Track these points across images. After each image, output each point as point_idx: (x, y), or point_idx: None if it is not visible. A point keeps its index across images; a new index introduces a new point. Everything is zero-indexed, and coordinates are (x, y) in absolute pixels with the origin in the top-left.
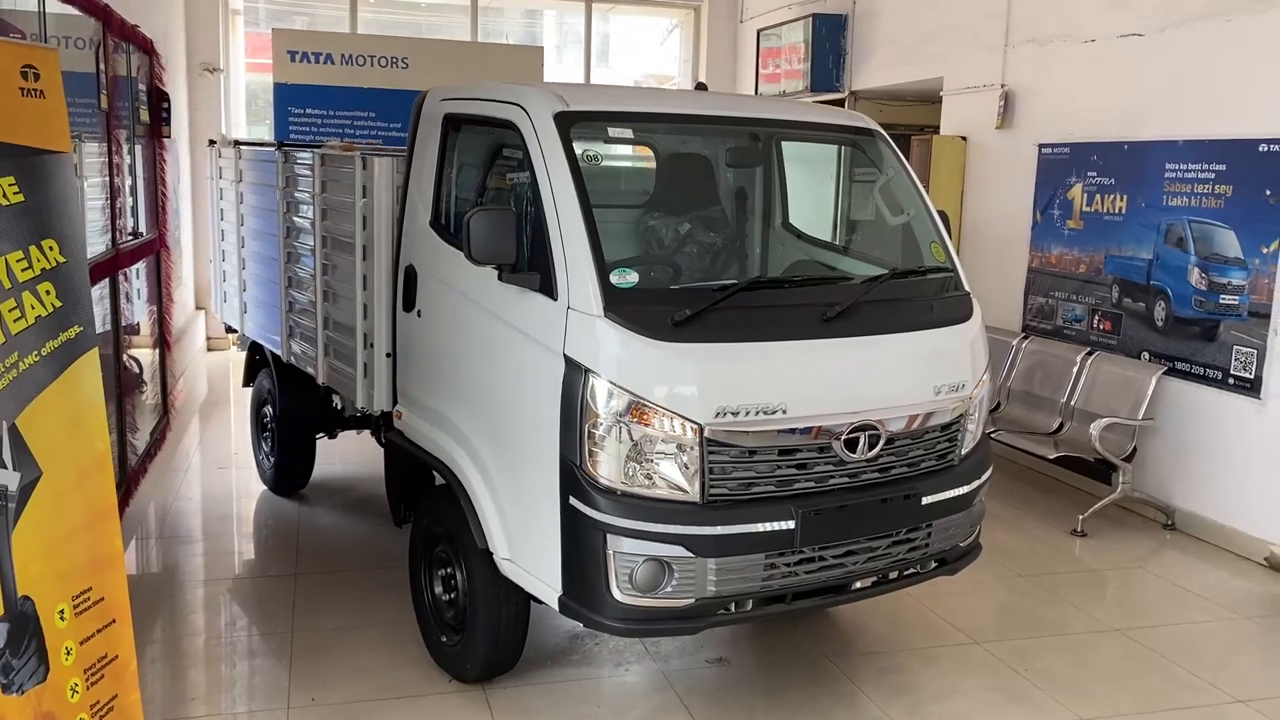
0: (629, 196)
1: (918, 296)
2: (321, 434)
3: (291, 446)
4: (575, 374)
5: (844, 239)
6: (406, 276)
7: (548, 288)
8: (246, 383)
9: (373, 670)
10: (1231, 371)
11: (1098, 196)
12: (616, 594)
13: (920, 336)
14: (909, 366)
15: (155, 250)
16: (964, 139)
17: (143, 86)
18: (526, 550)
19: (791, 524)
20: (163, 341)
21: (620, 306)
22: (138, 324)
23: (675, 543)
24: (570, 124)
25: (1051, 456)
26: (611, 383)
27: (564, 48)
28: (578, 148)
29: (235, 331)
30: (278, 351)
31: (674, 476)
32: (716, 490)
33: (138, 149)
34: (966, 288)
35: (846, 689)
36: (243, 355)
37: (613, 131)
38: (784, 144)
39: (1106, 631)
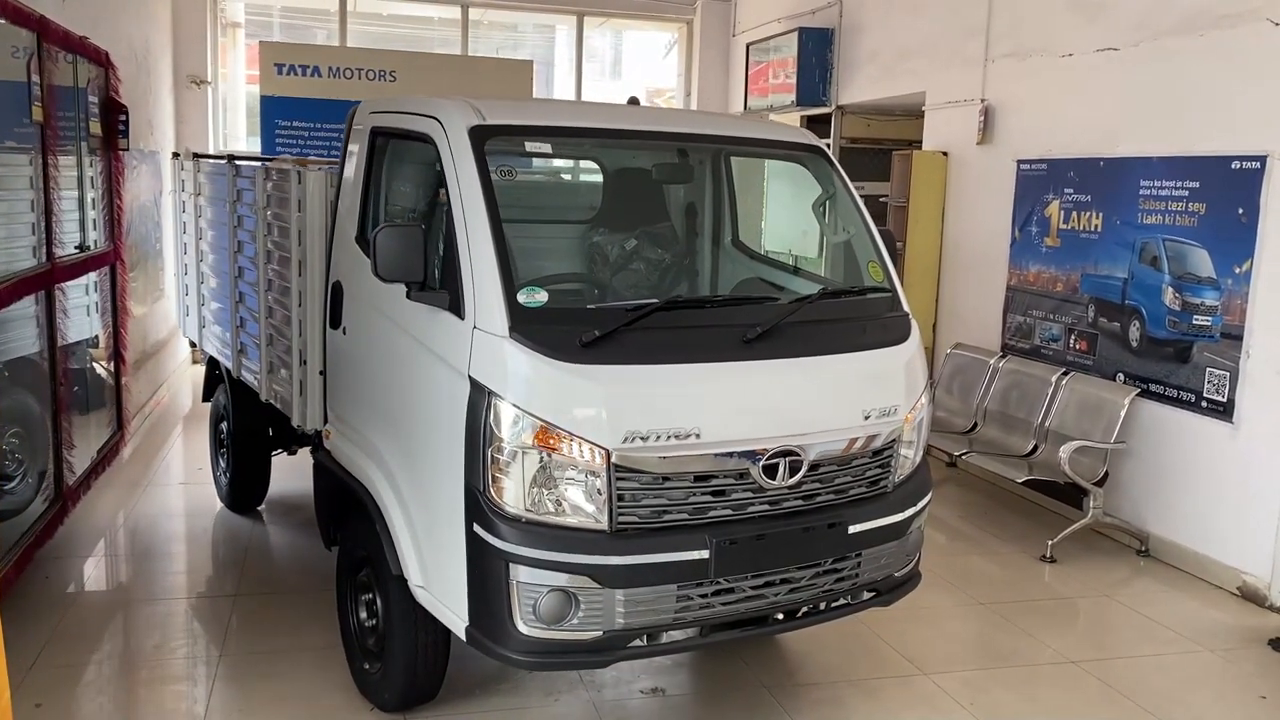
0: (566, 213)
1: (850, 317)
2: (280, 450)
3: (246, 463)
4: (480, 396)
5: (794, 259)
6: (333, 293)
7: (456, 306)
8: (206, 398)
9: (294, 697)
10: (1205, 394)
11: (1074, 214)
12: (520, 626)
13: (850, 359)
14: (835, 390)
15: (110, 263)
16: (945, 154)
17: (94, 98)
18: (438, 578)
19: (705, 553)
20: (117, 355)
21: (527, 326)
22: (97, 336)
23: (581, 573)
24: (485, 138)
25: (1021, 479)
26: (515, 406)
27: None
28: (493, 163)
29: (196, 346)
30: (231, 366)
31: (580, 504)
32: (626, 518)
33: (93, 162)
34: (905, 309)
35: None
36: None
37: (530, 146)
38: (733, 160)
39: (1063, 664)
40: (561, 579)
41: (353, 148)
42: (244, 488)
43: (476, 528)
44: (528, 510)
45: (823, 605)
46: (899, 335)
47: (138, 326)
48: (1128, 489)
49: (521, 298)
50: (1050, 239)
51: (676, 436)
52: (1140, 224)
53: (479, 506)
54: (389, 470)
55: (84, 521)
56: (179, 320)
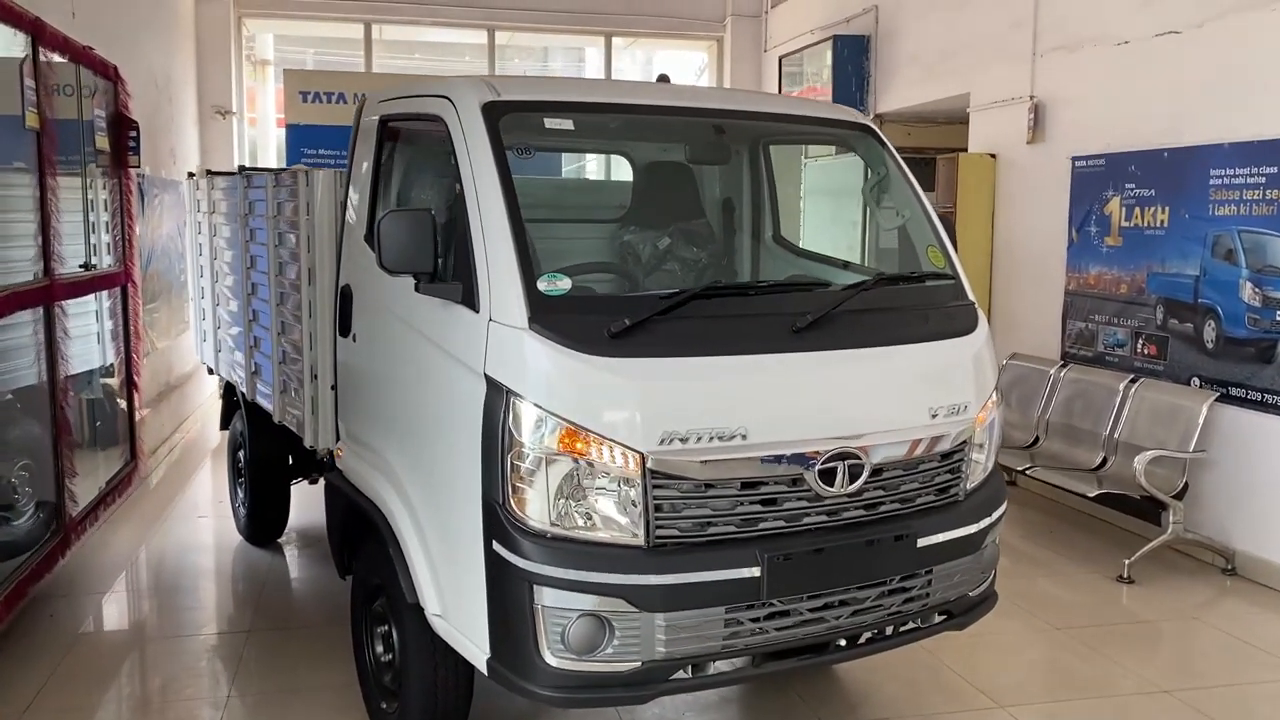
0: (595, 212)
1: (911, 306)
2: (300, 479)
3: (263, 492)
4: (497, 397)
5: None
6: (343, 297)
7: (470, 298)
8: (223, 426)
9: None
10: None
11: (1137, 210)
12: (548, 656)
13: (912, 350)
14: (898, 385)
15: (120, 284)
16: (993, 156)
17: (100, 112)
18: (456, 605)
19: (756, 571)
20: (129, 382)
21: (549, 317)
22: (110, 366)
23: (614, 594)
24: (499, 115)
25: (1092, 494)
26: (537, 406)
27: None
28: (510, 142)
29: (215, 372)
30: (245, 389)
31: (613, 516)
32: (665, 532)
33: (103, 183)
34: (971, 297)
35: None
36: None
37: (549, 123)
38: (770, 148)
39: (1154, 693)
40: (593, 602)
41: (361, 142)
42: (262, 518)
43: (496, 545)
44: (553, 525)
45: (890, 629)
46: (966, 325)
47: (162, 359)
48: (1210, 502)
49: (542, 285)
50: (1111, 238)
51: (720, 438)
52: (1211, 216)
53: (498, 521)
54: (401, 486)
55: (97, 557)
56: (196, 346)
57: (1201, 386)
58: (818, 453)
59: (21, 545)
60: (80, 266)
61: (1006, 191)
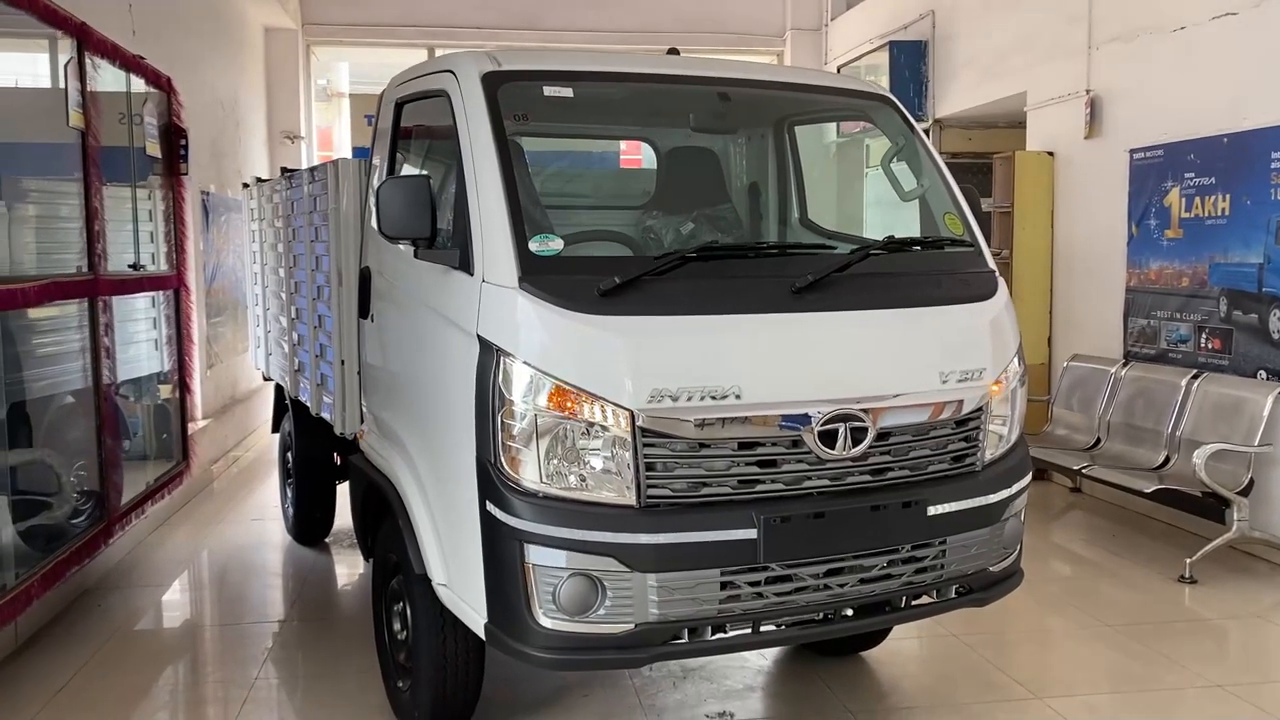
0: (619, 200)
1: (924, 271)
2: (345, 480)
3: (309, 491)
4: (489, 357)
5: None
6: (362, 279)
7: (466, 262)
8: (274, 429)
9: (323, 719)
10: None
11: (1197, 199)
12: (541, 617)
13: (922, 313)
14: (905, 348)
15: (170, 287)
16: (1050, 155)
17: (152, 120)
18: (459, 572)
19: (753, 533)
20: (182, 384)
21: (539, 277)
22: (166, 372)
23: (605, 553)
24: (498, 84)
25: (1149, 490)
26: (527, 364)
27: None
28: (509, 111)
29: (270, 379)
30: (289, 388)
31: (603, 475)
32: (657, 491)
33: (151, 192)
34: (991, 265)
35: None
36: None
37: (548, 91)
38: (796, 129)
39: (1206, 687)
40: (583, 561)
41: (382, 125)
42: (309, 518)
43: (489, 506)
44: (545, 484)
45: (902, 601)
46: (983, 291)
47: (226, 373)
48: (1277, 499)
49: (534, 246)
50: (1171, 230)
51: (712, 396)
52: (1275, 200)
53: (491, 482)
54: (409, 457)
55: (151, 555)
56: (252, 353)
57: (1268, 379)
58: (816, 413)
59: (66, 533)
60: (129, 267)
61: (1065, 190)
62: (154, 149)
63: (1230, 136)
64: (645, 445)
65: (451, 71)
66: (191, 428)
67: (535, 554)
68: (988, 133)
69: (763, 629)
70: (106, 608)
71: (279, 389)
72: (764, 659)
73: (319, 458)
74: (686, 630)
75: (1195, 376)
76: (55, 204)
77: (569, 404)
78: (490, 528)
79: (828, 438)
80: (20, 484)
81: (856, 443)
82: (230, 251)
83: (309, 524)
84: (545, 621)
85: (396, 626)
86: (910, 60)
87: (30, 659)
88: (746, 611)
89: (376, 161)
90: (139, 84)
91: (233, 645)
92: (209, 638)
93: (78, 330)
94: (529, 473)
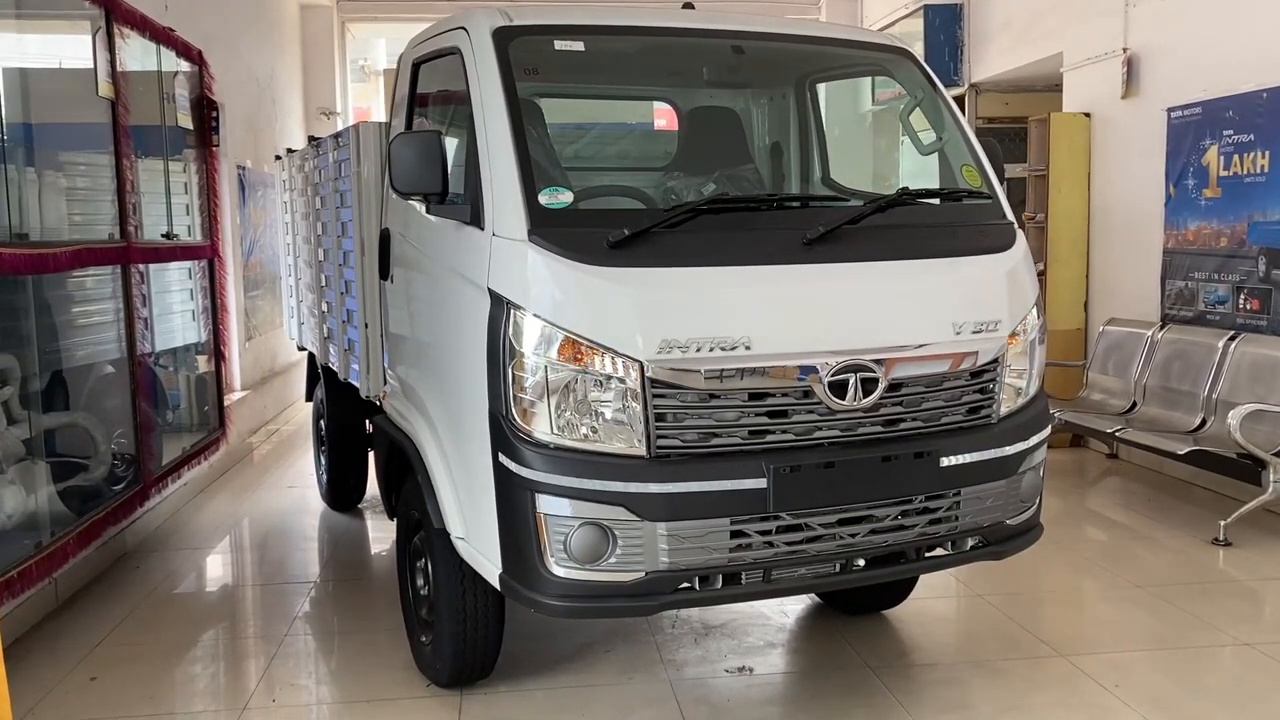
0: (642, 161)
1: (940, 223)
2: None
3: (341, 457)
4: (499, 310)
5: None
6: (383, 241)
7: (476, 217)
8: (308, 397)
9: (351, 673)
10: None
11: (1236, 157)
12: (553, 566)
13: (935, 264)
14: (918, 299)
15: (204, 257)
16: (1087, 116)
17: (184, 92)
18: (475, 525)
19: (763, 482)
20: (217, 352)
21: (548, 229)
22: (203, 343)
23: (615, 502)
24: (509, 39)
25: (1182, 451)
26: (537, 316)
27: None
28: (520, 66)
29: (304, 348)
30: (319, 354)
31: (613, 425)
32: (667, 442)
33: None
34: (1009, 217)
35: (885, 703)
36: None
37: (559, 45)
38: (817, 85)
39: (1233, 645)
40: (594, 510)
41: (400, 88)
42: (342, 484)
43: (502, 457)
44: (556, 435)
45: (916, 554)
46: (1000, 243)
47: (265, 345)
48: None
49: (543, 199)
50: (1210, 190)
51: (722, 347)
52: None
53: (503, 433)
54: (428, 414)
55: (190, 521)
56: (286, 323)
57: None
58: (826, 364)
59: (102, 494)
60: (162, 236)
61: (1102, 151)
62: (185, 120)
63: (1270, 91)
64: (655, 396)
65: (464, 28)
66: (229, 398)
67: (546, 504)
68: (1024, 97)
69: (774, 577)
70: (145, 569)
71: (311, 357)
72: (785, 616)
73: (350, 425)
74: (697, 578)
75: (1233, 338)
76: (88, 175)
77: (579, 356)
78: (503, 479)
79: (838, 388)
80: (57, 447)
81: (867, 393)
82: (266, 226)
83: (342, 490)
84: (557, 570)
85: (419, 582)
86: (945, 24)
87: (70, 617)
88: (757, 560)
89: (396, 122)
90: (170, 60)
91: (264, 604)
92: (242, 597)
93: (113, 300)
94: (540, 424)
